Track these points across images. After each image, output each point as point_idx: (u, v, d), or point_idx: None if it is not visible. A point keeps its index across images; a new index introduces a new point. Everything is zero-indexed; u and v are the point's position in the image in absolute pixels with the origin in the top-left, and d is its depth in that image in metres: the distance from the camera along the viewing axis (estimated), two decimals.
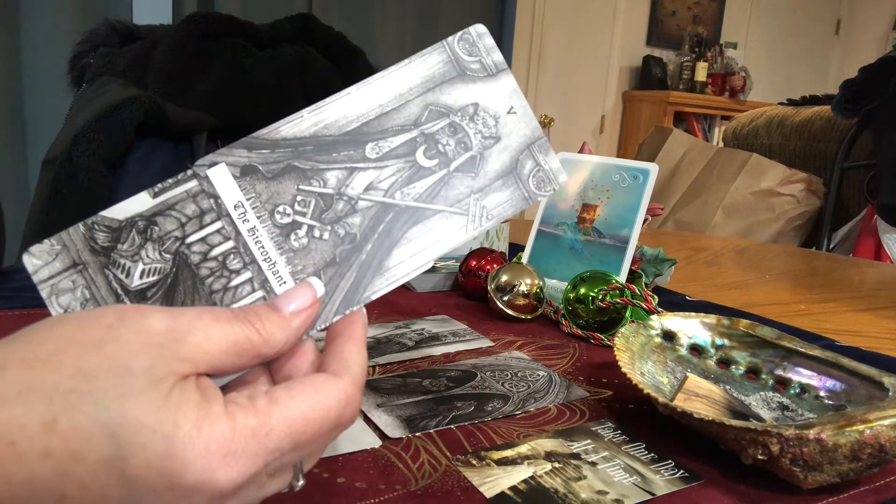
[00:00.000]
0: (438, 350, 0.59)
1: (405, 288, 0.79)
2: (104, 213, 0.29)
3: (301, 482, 0.27)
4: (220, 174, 0.30)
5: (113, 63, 1.08)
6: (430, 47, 0.32)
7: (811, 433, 0.36)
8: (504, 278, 0.69)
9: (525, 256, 0.76)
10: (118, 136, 0.95)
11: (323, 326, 0.30)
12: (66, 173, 0.92)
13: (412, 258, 0.31)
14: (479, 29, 0.33)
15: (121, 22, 1.15)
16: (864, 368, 0.46)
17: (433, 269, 0.80)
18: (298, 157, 0.31)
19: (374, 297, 0.31)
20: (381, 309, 0.70)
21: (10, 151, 1.97)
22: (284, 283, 0.30)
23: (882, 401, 0.41)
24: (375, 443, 0.42)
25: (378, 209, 0.31)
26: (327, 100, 0.31)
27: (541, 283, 0.69)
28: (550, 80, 3.56)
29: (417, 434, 0.43)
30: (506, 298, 0.68)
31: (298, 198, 0.31)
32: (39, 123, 1.99)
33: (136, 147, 0.99)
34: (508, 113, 0.33)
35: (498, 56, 0.33)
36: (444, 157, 0.32)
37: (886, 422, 0.37)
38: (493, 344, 0.61)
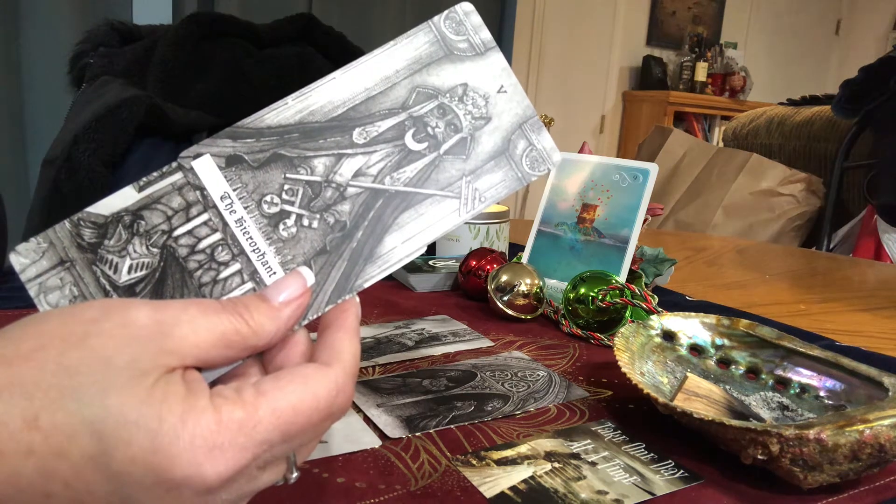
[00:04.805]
0: (438, 350, 0.59)
1: (405, 288, 0.79)
2: (90, 209, 0.29)
3: (295, 474, 0.27)
4: (205, 165, 0.30)
5: (113, 63, 1.08)
6: (415, 28, 0.31)
7: (811, 433, 0.36)
8: (504, 278, 0.69)
9: (525, 256, 0.76)
10: (118, 136, 0.95)
11: (315, 316, 0.29)
12: (66, 173, 0.92)
13: (404, 244, 0.30)
14: (466, 7, 0.32)
15: (121, 22, 1.15)
16: (864, 368, 0.46)
17: (433, 269, 0.80)
18: (284, 144, 0.30)
19: (366, 285, 0.30)
20: (381, 309, 0.70)
21: (10, 151, 1.97)
22: (274, 273, 0.30)
23: (882, 401, 0.41)
24: (375, 443, 0.42)
25: (367, 195, 0.30)
26: (312, 85, 0.30)
27: (541, 283, 0.69)
28: (550, 80, 3.56)
29: (417, 434, 0.43)
30: (506, 298, 0.68)
31: (286, 186, 0.30)
32: (39, 123, 1.99)
33: (136, 147, 0.99)
34: (499, 92, 0.32)
35: (486, 34, 0.32)
36: (434, 139, 0.31)
37: (886, 422, 0.37)
38: (493, 344, 0.61)
